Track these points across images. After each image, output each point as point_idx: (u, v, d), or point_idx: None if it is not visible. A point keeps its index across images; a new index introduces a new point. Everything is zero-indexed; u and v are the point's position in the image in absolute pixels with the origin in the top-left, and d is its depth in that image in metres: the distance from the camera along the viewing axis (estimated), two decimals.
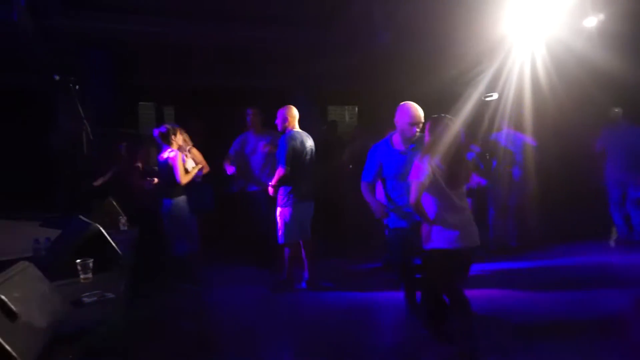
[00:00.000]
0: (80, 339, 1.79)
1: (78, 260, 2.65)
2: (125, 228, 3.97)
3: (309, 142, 4.41)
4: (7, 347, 1.33)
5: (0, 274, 1.60)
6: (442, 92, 9.29)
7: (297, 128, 4.42)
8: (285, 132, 4.39)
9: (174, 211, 4.39)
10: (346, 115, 15.36)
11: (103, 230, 2.88)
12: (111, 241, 2.91)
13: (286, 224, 4.33)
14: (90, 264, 2.66)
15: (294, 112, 4.45)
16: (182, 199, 4.44)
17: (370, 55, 7.32)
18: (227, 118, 7.37)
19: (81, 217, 3.17)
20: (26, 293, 1.61)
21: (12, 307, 1.45)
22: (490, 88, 9.28)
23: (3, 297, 1.45)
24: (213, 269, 5.03)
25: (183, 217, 4.45)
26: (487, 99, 9.34)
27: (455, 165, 2.89)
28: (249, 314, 4.04)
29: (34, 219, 5.13)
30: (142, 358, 2.92)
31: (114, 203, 4.29)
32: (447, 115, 3.02)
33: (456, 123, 3.00)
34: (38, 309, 1.62)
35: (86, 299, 2.34)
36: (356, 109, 12.38)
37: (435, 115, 3.05)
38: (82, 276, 2.66)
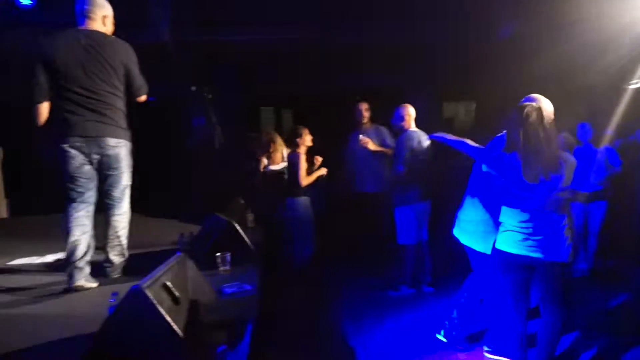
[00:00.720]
0: (225, 327, 1.99)
1: (218, 254, 2.93)
2: (252, 225, 4.27)
3: (427, 142, 4.31)
4: (175, 326, 1.53)
5: (164, 264, 1.83)
6: (570, 84, 8.54)
7: (413, 127, 4.36)
8: (403, 132, 4.35)
9: (296, 210, 4.60)
10: (462, 111, 14.77)
11: (238, 227, 3.14)
12: (245, 237, 3.16)
13: (404, 225, 4.31)
14: (229, 257, 2.93)
15: (411, 111, 4.39)
16: (304, 199, 4.63)
17: (491, 47, 6.97)
18: (342, 119, 7.55)
19: (218, 214, 3.50)
20: (184, 281, 1.83)
21: (176, 293, 1.66)
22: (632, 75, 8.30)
23: (169, 283, 1.66)
24: (333, 268, 5.16)
25: (305, 216, 4.64)
26: (632, 86, 8.34)
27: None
28: (373, 313, 4.07)
29: (175, 216, 5.76)
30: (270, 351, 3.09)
31: (242, 202, 4.64)
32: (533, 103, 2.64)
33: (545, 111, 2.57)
34: (194, 296, 1.83)
35: (227, 290, 2.59)
36: (473, 105, 11.86)
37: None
38: (221, 268, 2.94)
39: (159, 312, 1.52)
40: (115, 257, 2.88)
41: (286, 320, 3.72)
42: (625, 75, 6.82)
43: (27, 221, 5.18)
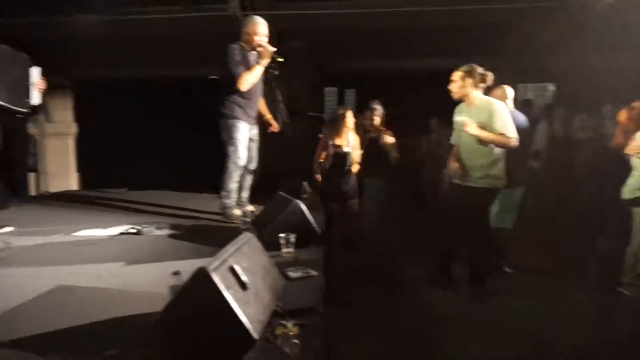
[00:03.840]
0: (293, 315, 1.79)
1: (281, 235, 2.74)
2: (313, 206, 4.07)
3: (524, 124, 4.07)
4: (242, 316, 1.33)
5: (230, 243, 1.64)
6: None
7: (511, 108, 4.10)
8: None
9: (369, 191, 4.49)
10: (529, 94, 13.86)
11: (304, 207, 2.93)
12: (311, 218, 2.95)
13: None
14: (293, 239, 2.73)
15: (504, 94, 4.14)
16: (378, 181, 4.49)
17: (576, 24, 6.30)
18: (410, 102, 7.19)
19: (282, 193, 3.31)
20: (252, 264, 1.63)
21: (243, 277, 1.46)
22: None
23: (236, 266, 1.46)
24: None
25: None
26: None
27: None
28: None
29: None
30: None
31: (304, 183, 4.44)
32: None
33: None
34: (262, 280, 1.63)
35: (292, 274, 2.40)
36: (551, 87, 11.00)
37: None
38: (284, 250, 2.75)
39: (225, 298, 1.32)
40: None
41: (358, 308, 3.55)
42: None
43: (96, 195, 5.28)
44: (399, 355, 2.92)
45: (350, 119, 4.57)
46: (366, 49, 7.50)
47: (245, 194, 4.07)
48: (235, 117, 3.73)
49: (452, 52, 7.85)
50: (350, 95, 8.95)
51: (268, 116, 4.22)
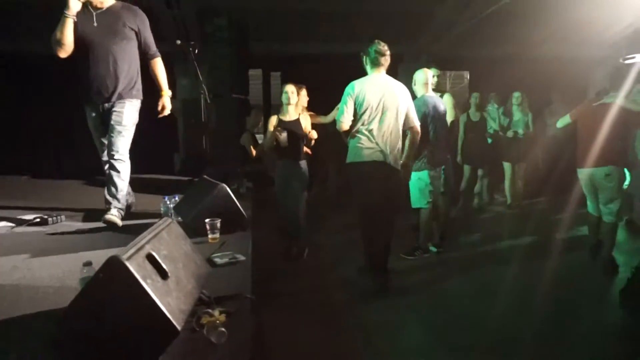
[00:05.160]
0: (219, 302, 1.71)
1: (207, 220, 2.63)
2: (245, 191, 3.97)
3: (442, 107, 4.20)
4: (162, 307, 1.24)
5: (148, 230, 1.52)
6: (572, 56, 8.31)
7: (430, 92, 4.23)
8: (418, 97, 4.26)
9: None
10: (447, 82, 14.49)
11: (230, 191, 2.83)
12: (237, 203, 2.86)
13: (418, 189, 4.27)
14: (218, 224, 2.63)
15: (421, 77, 4.27)
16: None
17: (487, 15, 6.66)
18: (330, 84, 7.19)
19: (207, 177, 3.17)
20: (172, 251, 1.52)
21: (163, 265, 1.36)
22: (632, 50, 8.11)
23: (154, 253, 1.35)
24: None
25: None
26: (627, 61, 8.16)
27: None
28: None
29: (158, 181, 5.41)
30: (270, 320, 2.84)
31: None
32: None
33: None
34: (184, 268, 1.53)
35: (218, 260, 2.30)
36: (466, 74, 11.59)
37: None
38: (210, 236, 2.64)
39: (143, 289, 1.21)
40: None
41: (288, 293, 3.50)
42: None
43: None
44: (332, 342, 2.90)
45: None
46: (292, 32, 7.40)
47: (121, 195, 3.11)
48: (80, 100, 3.13)
49: (375, 38, 8.00)
50: (276, 78, 8.81)
51: (163, 93, 3.32)
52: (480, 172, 6.46)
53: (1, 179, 4.86)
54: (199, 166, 5.05)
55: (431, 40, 7.93)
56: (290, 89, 4.11)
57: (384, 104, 3.39)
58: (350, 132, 3.45)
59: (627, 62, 8.04)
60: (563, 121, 4.22)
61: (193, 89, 4.65)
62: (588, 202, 4.16)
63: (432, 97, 4.21)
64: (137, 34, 3.13)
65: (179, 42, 4.88)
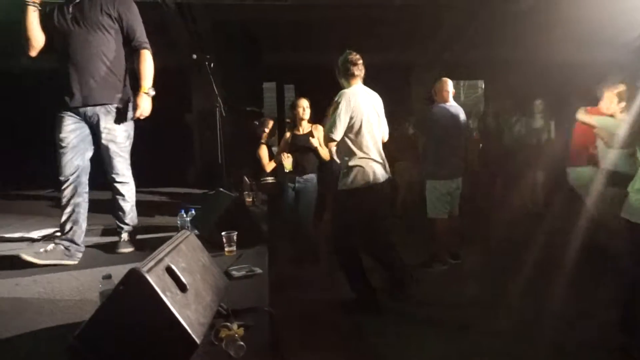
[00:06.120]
0: (237, 316, 1.70)
1: (223, 233, 2.63)
2: (260, 203, 3.98)
3: (462, 116, 4.20)
4: (181, 320, 1.23)
5: (166, 242, 1.53)
6: (590, 63, 8.21)
7: (450, 101, 4.23)
8: (435, 106, 4.27)
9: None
10: (461, 93, 14.42)
11: (245, 203, 2.83)
12: (253, 215, 2.86)
13: (435, 199, 4.24)
14: (235, 237, 2.63)
15: (443, 86, 4.27)
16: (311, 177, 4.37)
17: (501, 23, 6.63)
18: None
19: (223, 190, 3.19)
20: (191, 264, 1.52)
21: (182, 277, 1.36)
22: None
23: (173, 266, 1.35)
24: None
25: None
26: None
27: None
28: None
29: (174, 195, 5.45)
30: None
31: (247, 180, 4.33)
32: None
33: None
34: (203, 280, 1.53)
35: (235, 273, 2.30)
36: (480, 83, 11.52)
37: None
38: (226, 249, 2.64)
39: (162, 301, 1.21)
40: None
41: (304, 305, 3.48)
42: None
43: (16, 194, 4.86)
44: (350, 355, 2.88)
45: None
46: (305, 44, 7.44)
47: (130, 217, 2.86)
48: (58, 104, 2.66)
49: (386, 47, 8.01)
50: (290, 91, 8.86)
51: (140, 90, 2.75)
52: (499, 180, 6.41)
53: (25, 192, 4.97)
54: (214, 178, 5.08)
55: (442, 48, 7.91)
56: (304, 103, 4.20)
57: (373, 116, 3.32)
58: (344, 150, 3.30)
59: None
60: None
61: (208, 102, 4.67)
62: None
63: (452, 106, 4.20)
64: (119, 22, 2.68)
65: (194, 56, 4.94)
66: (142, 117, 2.77)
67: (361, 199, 3.23)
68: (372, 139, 3.27)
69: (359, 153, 3.23)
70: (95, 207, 3.09)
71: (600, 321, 3.19)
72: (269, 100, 9.07)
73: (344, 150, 3.29)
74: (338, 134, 3.21)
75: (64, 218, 2.65)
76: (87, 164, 2.73)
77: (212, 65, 4.85)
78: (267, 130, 5.39)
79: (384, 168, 3.34)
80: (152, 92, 2.77)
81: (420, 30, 7.34)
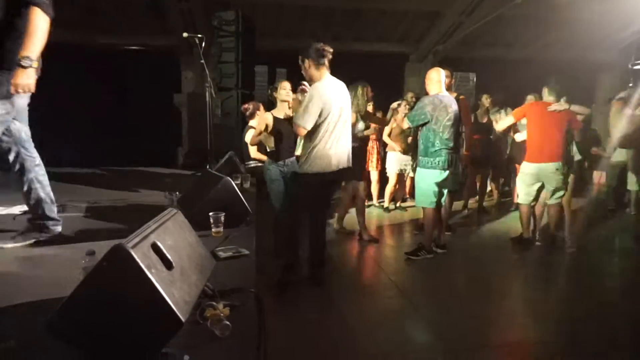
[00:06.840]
0: (223, 296, 1.68)
1: (211, 213, 2.59)
2: (248, 186, 3.93)
3: (453, 107, 4.17)
4: (167, 297, 1.20)
5: (153, 219, 1.49)
6: (580, 60, 8.26)
7: (443, 92, 4.20)
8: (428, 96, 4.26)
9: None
10: (452, 85, 14.47)
11: (234, 185, 2.80)
12: (242, 197, 2.82)
13: (423, 189, 4.26)
14: (222, 218, 2.60)
15: (434, 76, 4.23)
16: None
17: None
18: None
19: (211, 170, 3.14)
20: (177, 242, 1.49)
21: (168, 255, 1.32)
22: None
23: (159, 243, 1.32)
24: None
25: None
26: (636, 67, 8.10)
27: None
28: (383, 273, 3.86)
29: (161, 175, 5.38)
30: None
31: (236, 160, 4.28)
32: None
33: None
34: (189, 259, 1.50)
35: (222, 253, 2.27)
36: (472, 76, 11.54)
37: None
38: (213, 230, 2.61)
39: (147, 278, 1.18)
40: None
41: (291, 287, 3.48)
42: None
43: None
44: (332, 337, 2.89)
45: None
46: (299, 29, 7.36)
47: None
48: None
49: (382, 37, 7.98)
50: (282, 74, 8.77)
51: (20, 56, 2.15)
52: (487, 172, 6.44)
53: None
54: (203, 160, 5.02)
55: (438, 41, 7.89)
56: (287, 85, 4.14)
57: (342, 107, 3.46)
58: (312, 137, 3.41)
59: (635, 67, 7.98)
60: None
61: (198, 83, 4.59)
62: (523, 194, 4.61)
63: (445, 96, 4.15)
64: None
65: (185, 34, 4.84)
66: (20, 93, 2.21)
67: (314, 182, 3.44)
68: (335, 130, 3.42)
69: (319, 141, 3.38)
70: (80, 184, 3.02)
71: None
72: (260, 84, 8.96)
73: (307, 137, 3.44)
74: (309, 124, 3.34)
75: (25, 200, 2.49)
76: (19, 135, 2.39)
77: (203, 45, 4.76)
78: (256, 113, 5.31)
79: (344, 157, 3.51)
80: (29, 63, 2.15)
81: (419, 23, 7.31)
